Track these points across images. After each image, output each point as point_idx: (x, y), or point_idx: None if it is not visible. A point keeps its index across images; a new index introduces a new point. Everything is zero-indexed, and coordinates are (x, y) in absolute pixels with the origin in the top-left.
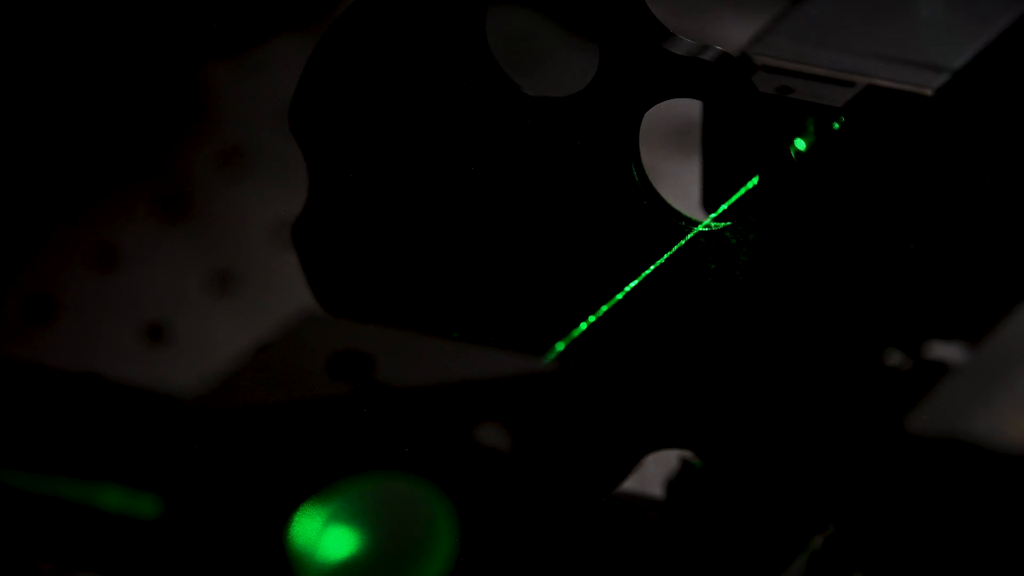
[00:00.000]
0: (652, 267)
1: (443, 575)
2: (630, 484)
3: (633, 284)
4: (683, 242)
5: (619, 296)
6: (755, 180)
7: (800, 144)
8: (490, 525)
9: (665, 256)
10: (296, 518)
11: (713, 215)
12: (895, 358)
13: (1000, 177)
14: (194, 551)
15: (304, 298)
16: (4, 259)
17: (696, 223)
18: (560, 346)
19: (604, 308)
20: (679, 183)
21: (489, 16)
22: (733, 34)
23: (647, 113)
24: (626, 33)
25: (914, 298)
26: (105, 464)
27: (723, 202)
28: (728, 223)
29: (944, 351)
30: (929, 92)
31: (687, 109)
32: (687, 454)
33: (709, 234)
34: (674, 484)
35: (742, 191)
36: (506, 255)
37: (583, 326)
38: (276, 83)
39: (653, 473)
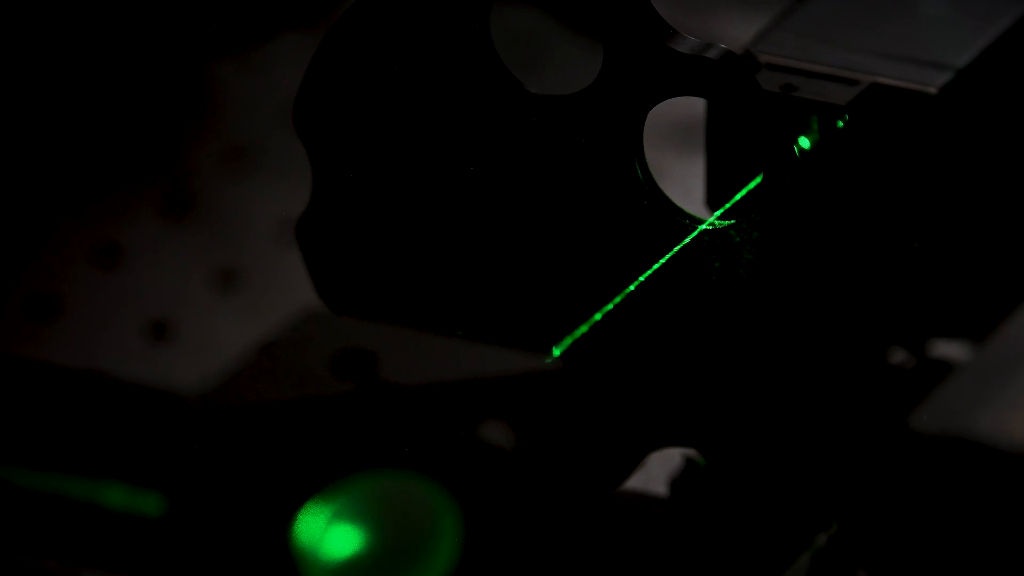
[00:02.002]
0: (656, 265)
1: (447, 573)
2: (634, 482)
3: (637, 282)
4: (687, 240)
5: (623, 294)
6: (759, 178)
7: (804, 142)
8: (494, 523)
9: (669, 254)
10: (300, 516)
11: (717, 213)
12: (899, 356)
13: (1004, 175)
14: (198, 549)
15: (308, 296)
16: (8, 257)
17: (700, 221)
18: (564, 344)
19: (608, 306)
20: (683, 181)
21: (493, 14)
22: (737, 32)
23: (651, 111)
24: (630, 31)
25: (918, 296)
26: (109, 462)
27: (727, 200)
28: (732, 221)
29: (948, 349)
30: (933, 90)
31: (691, 107)
32: (691, 452)
33: (713, 232)
34: (678, 482)
35: (746, 189)
36: (510, 253)
37: (587, 324)
38: (280, 81)
39: (657, 471)
